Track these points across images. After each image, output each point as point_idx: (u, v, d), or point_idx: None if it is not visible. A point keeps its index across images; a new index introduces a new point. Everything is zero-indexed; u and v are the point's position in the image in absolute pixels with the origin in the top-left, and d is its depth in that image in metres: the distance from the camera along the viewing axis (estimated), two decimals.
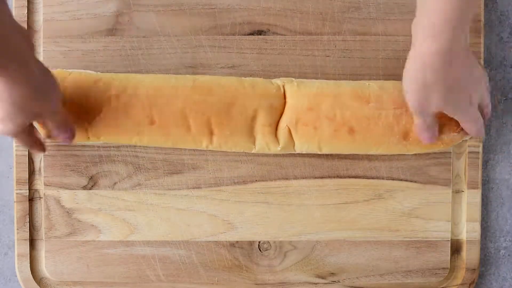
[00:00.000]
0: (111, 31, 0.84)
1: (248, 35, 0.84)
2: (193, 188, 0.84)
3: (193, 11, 0.84)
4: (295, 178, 0.85)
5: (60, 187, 0.84)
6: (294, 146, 0.80)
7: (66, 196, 0.84)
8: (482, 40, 0.85)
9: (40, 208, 0.85)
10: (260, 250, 0.85)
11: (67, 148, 0.84)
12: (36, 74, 0.69)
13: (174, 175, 0.84)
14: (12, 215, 0.86)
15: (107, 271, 0.85)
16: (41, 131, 0.79)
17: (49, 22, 0.83)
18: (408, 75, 0.72)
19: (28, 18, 0.84)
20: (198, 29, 0.84)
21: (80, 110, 0.78)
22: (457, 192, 0.86)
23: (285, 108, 0.80)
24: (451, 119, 0.76)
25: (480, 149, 0.85)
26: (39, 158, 0.84)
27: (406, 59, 0.84)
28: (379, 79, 0.84)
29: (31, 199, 0.84)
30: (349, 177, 0.85)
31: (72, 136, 0.78)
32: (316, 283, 0.85)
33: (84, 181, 0.84)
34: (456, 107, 0.74)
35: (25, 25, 0.83)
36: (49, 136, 0.78)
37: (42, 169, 0.84)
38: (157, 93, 0.78)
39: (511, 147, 0.88)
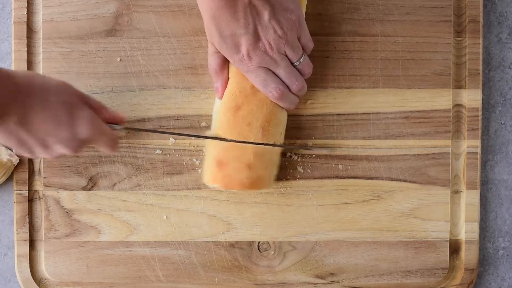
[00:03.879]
0: (111, 32, 0.84)
1: None
2: (193, 188, 0.84)
3: (193, 12, 0.84)
4: (294, 178, 0.85)
5: (60, 188, 0.84)
6: None
7: (65, 197, 0.84)
8: (480, 41, 0.85)
9: (40, 208, 0.85)
10: (259, 251, 0.85)
11: None
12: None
13: (173, 175, 0.84)
14: (12, 216, 0.86)
15: (106, 272, 0.85)
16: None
17: (48, 23, 0.83)
18: None
19: (27, 19, 0.84)
20: (197, 30, 0.84)
21: None
22: (456, 192, 0.86)
23: None
24: None
25: (479, 150, 0.85)
26: (39, 159, 0.84)
27: (405, 60, 0.84)
28: (378, 80, 0.84)
29: (30, 200, 0.85)
30: (348, 177, 0.85)
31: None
32: (315, 284, 0.86)
33: (83, 181, 0.84)
34: None
35: (24, 26, 0.83)
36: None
37: (42, 170, 0.84)
38: None
39: (510, 148, 0.88)
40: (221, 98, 0.80)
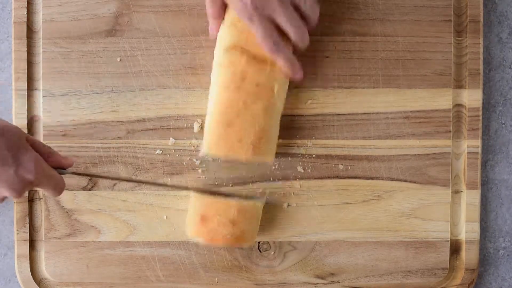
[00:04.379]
0: (111, 32, 0.84)
1: None
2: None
3: (193, 12, 0.84)
4: (295, 178, 0.85)
5: None
6: None
7: (66, 197, 0.84)
8: (481, 41, 0.85)
9: (40, 209, 0.85)
10: (259, 251, 0.85)
11: (67, 149, 0.84)
12: None
13: (173, 175, 0.84)
14: (12, 216, 0.86)
15: (106, 272, 0.85)
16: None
17: (48, 23, 0.83)
18: None
19: (27, 19, 0.84)
20: (197, 30, 0.84)
21: None
22: (456, 192, 0.86)
23: None
24: None
25: (479, 150, 0.85)
26: None
27: (405, 60, 0.84)
28: (378, 80, 0.84)
29: (30, 200, 0.85)
30: (349, 177, 0.85)
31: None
32: (315, 284, 0.86)
33: (83, 181, 0.84)
34: None
35: (24, 26, 0.83)
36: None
37: None
38: None
39: (510, 148, 0.88)
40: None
